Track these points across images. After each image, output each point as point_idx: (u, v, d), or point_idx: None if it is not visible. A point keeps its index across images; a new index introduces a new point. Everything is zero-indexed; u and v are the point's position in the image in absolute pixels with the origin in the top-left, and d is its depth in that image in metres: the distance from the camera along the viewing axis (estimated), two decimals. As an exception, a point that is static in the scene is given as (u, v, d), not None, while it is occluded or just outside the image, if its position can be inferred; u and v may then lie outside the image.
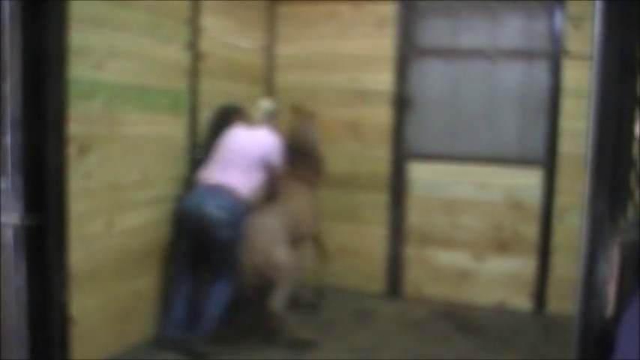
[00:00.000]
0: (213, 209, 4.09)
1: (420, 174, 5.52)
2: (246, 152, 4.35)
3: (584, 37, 4.86)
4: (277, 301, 4.15)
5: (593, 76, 1.41)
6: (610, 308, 1.37)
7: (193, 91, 4.52)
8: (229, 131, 4.50)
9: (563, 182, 5.10)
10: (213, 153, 4.43)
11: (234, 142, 4.41)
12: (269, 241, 4.29)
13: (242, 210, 4.23)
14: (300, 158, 4.85)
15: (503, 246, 5.34)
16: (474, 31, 5.33)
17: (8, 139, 1.93)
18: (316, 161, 4.98)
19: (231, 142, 4.42)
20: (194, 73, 4.53)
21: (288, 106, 5.21)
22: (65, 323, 2.15)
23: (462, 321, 5.01)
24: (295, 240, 4.54)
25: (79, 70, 3.35)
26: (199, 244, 4.19)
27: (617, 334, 1.08)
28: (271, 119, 4.64)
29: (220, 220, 4.10)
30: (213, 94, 4.74)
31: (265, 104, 4.71)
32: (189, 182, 4.45)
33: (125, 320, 4.00)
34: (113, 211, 3.85)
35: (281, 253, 4.26)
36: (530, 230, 5.25)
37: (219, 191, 4.18)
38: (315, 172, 4.95)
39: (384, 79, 5.48)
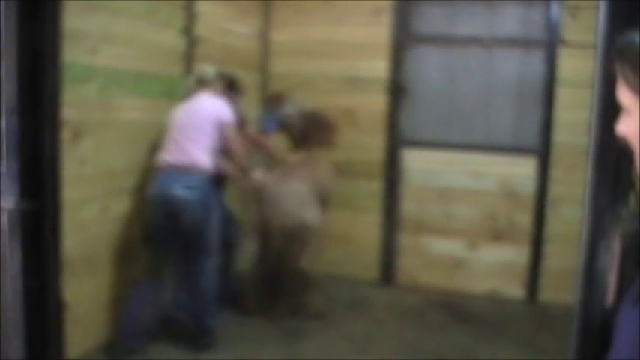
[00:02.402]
0: (181, 191, 3.89)
1: (415, 162, 5.52)
2: (195, 123, 4.04)
3: (580, 26, 4.86)
4: (306, 258, 4.44)
5: (597, 66, 1.40)
6: (610, 298, 1.38)
7: (186, 78, 4.48)
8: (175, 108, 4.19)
9: (557, 172, 5.11)
10: (166, 133, 4.14)
11: (181, 117, 4.10)
12: (299, 204, 4.49)
13: (210, 186, 4.04)
14: (312, 125, 4.92)
15: (497, 235, 5.35)
16: (471, 19, 5.31)
17: (4, 125, 1.92)
18: (327, 124, 5.00)
19: (177, 118, 4.10)
20: (189, 58, 4.50)
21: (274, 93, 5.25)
22: (60, 308, 2.15)
23: (455, 309, 5.03)
24: (322, 201, 4.75)
25: (73, 55, 3.31)
26: (174, 231, 3.96)
27: (616, 324, 1.08)
28: (212, 85, 4.23)
29: (191, 202, 3.90)
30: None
31: (204, 69, 4.32)
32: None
33: (120, 306, 3.98)
34: (108, 198, 3.83)
35: (311, 215, 4.50)
36: (524, 219, 5.26)
37: (182, 171, 3.94)
38: (329, 134, 4.98)
39: (379, 67, 5.46)
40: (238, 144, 4.16)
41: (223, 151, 4.11)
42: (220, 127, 4.06)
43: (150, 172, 4.11)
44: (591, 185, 1.41)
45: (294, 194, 4.54)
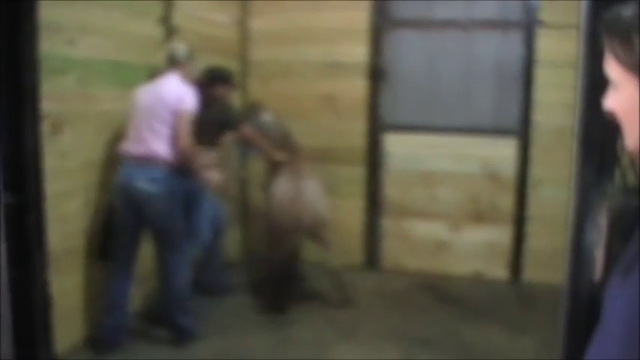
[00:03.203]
0: (144, 183, 3.71)
1: (397, 146, 5.53)
2: (154, 111, 3.79)
3: (558, 7, 4.87)
4: (332, 257, 4.61)
5: (581, 46, 1.41)
6: (598, 273, 1.39)
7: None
8: (137, 91, 3.93)
9: (537, 152, 5.15)
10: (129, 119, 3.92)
11: (142, 102, 3.85)
12: (315, 200, 4.54)
13: (174, 178, 3.84)
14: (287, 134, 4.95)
15: (479, 217, 5.39)
16: (449, 3, 5.31)
17: (-17, 120, 1.89)
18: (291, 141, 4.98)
19: (139, 103, 3.86)
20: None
21: (259, 78, 5.26)
22: (48, 302, 2.13)
23: (440, 291, 5.07)
24: None
25: (50, 47, 3.27)
26: (139, 224, 3.83)
27: (605, 298, 1.09)
28: (182, 66, 3.97)
29: (155, 195, 3.73)
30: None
31: (175, 48, 4.06)
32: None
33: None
34: (90, 190, 3.80)
35: (325, 210, 4.60)
36: (506, 201, 5.30)
37: (144, 162, 3.74)
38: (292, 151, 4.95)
39: (359, 52, 5.46)
40: (187, 134, 3.78)
41: (172, 139, 3.79)
42: (177, 113, 3.77)
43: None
44: (577, 162, 1.42)
45: (308, 190, 4.55)
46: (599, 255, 1.38)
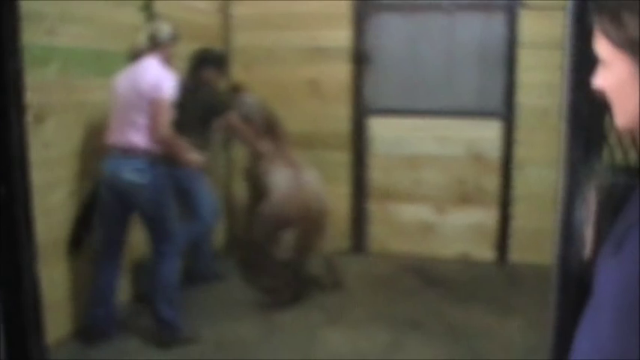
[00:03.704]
0: (129, 174, 3.60)
1: (381, 130, 5.53)
2: (132, 100, 3.62)
3: (540, -12, 4.89)
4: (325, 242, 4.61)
5: (568, 25, 1.41)
6: (588, 252, 1.40)
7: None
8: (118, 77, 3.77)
9: (521, 134, 5.17)
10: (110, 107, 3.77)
11: (121, 90, 3.68)
12: (317, 191, 4.54)
13: (160, 167, 3.70)
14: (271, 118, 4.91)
15: (465, 199, 5.42)
16: (431, -15, 5.31)
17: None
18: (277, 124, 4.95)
19: (118, 91, 3.69)
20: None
21: (242, 64, 5.27)
22: (37, 295, 2.11)
23: (427, 274, 5.09)
24: None
25: (31, 36, 3.23)
26: (126, 216, 3.77)
27: (595, 274, 1.10)
28: (164, 48, 3.78)
29: (141, 184, 3.62)
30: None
31: (158, 28, 3.82)
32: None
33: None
34: (75, 181, 3.77)
35: (326, 200, 4.59)
36: (491, 182, 5.33)
37: (127, 153, 3.62)
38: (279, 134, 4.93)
39: (342, 36, 5.44)
40: (164, 124, 3.61)
41: (150, 129, 3.62)
42: (154, 103, 3.58)
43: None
44: (566, 141, 1.43)
45: (309, 182, 4.56)
46: (588, 233, 1.40)
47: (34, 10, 3.29)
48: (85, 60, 3.83)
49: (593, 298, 1.10)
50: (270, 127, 4.82)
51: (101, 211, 3.78)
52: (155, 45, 3.74)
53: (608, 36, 1.02)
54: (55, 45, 3.53)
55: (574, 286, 1.43)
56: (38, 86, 3.39)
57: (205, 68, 4.48)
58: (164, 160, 3.73)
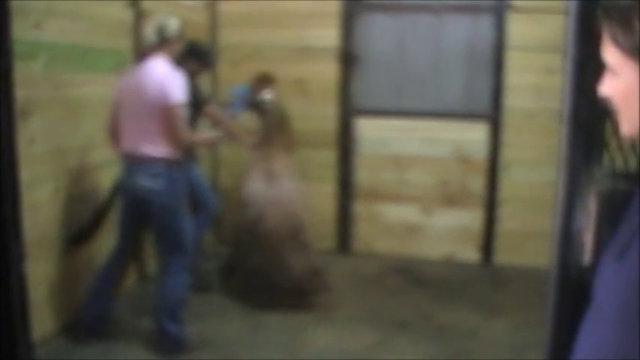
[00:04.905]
0: (145, 180, 3.49)
1: (368, 130, 5.53)
2: (140, 107, 3.48)
3: (528, -9, 4.91)
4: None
5: (570, 29, 1.40)
6: (587, 257, 1.40)
7: (137, 51, 4.36)
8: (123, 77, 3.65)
9: (508, 136, 5.19)
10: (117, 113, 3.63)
11: (127, 95, 3.54)
12: (294, 205, 4.52)
13: (175, 172, 3.57)
14: (282, 122, 4.83)
15: (450, 200, 5.43)
16: (419, -14, 5.32)
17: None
18: (288, 125, 4.90)
19: (124, 96, 3.56)
20: (137, 32, 4.37)
21: (229, 62, 5.24)
22: (24, 294, 2.09)
23: (413, 275, 5.10)
24: None
25: (17, 31, 3.15)
26: (142, 221, 3.70)
27: (595, 281, 1.09)
28: (172, 45, 3.60)
29: (157, 190, 3.50)
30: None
31: (166, 22, 3.55)
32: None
33: (76, 290, 3.89)
34: (60, 177, 3.73)
35: (303, 213, 4.58)
36: (477, 184, 5.35)
37: (141, 160, 3.51)
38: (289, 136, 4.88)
39: (330, 35, 5.43)
40: (183, 128, 3.52)
41: (169, 136, 3.48)
42: (165, 109, 3.42)
43: (102, 149, 4.00)
44: (566, 146, 1.43)
45: (294, 192, 4.55)
46: (587, 239, 1.39)
47: (20, 4, 3.23)
48: (72, 55, 3.79)
49: (593, 304, 1.10)
50: (280, 127, 4.76)
51: (118, 216, 3.77)
52: (163, 41, 3.52)
53: (617, 42, 1.01)
54: (41, 40, 3.48)
55: (572, 290, 1.43)
56: (24, 81, 3.32)
57: (190, 60, 4.43)
58: (181, 160, 3.63)
